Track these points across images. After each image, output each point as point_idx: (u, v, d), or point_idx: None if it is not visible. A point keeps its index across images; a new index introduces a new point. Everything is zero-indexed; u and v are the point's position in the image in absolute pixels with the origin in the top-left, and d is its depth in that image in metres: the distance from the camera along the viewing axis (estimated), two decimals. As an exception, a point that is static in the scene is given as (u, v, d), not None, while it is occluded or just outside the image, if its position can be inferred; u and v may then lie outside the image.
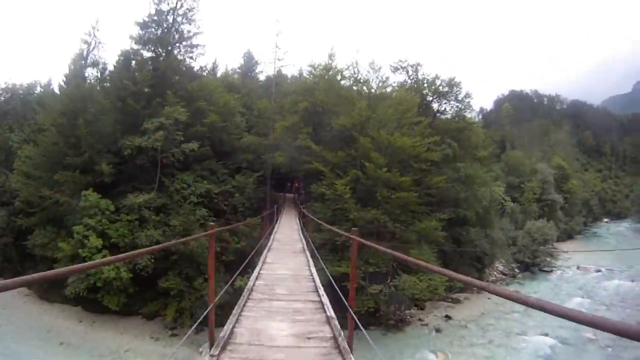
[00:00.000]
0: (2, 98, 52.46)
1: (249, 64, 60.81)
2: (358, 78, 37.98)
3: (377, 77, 37.50)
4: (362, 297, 28.29)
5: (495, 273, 45.71)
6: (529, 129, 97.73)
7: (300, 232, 23.05)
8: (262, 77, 58.92)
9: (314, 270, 12.45)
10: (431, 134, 34.84)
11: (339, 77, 39.99)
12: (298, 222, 28.09)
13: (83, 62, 42.75)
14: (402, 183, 30.32)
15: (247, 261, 12.22)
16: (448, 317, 32.88)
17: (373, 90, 37.60)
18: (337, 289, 7.86)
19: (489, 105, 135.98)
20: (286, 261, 14.24)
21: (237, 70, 61.68)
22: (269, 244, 18.10)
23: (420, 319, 32.44)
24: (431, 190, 33.56)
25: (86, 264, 3.44)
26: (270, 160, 37.35)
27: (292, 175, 42.70)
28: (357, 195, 31.82)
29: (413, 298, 30.31)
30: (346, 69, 38.88)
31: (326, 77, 38.69)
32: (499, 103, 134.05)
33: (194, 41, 40.23)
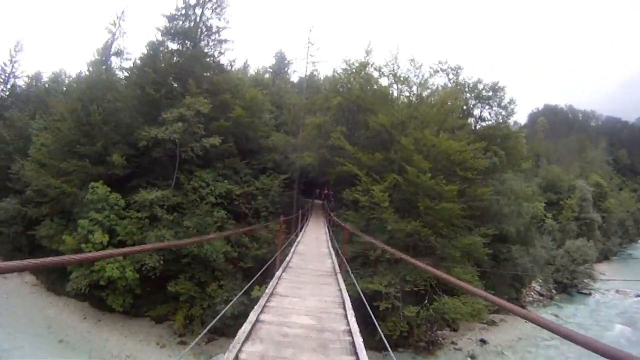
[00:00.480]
0: (25, 85, 50.58)
1: (281, 63, 57.28)
2: (398, 75, 33.23)
3: (417, 75, 33.01)
4: (395, 318, 24.47)
5: (532, 293, 41.35)
6: (565, 144, 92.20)
7: (330, 245, 18.42)
8: (294, 78, 55.34)
9: (353, 323, 6.66)
10: (475, 140, 30.57)
11: (376, 75, 35.45)
12: (327, 231, 23.55)
13: (107, 51, 39.36)
14: (447, 192, 25.79)
15: (264, 269, 10.58)
16: (483, 342, 28.81)
17: (414, 89, 33.05)
18: (370, 310, 6.82)
19: (522, 119, 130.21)
20: (307, 292, 8.83)
21: (269, 69, 58.10)
22: (288, 259, 13.16)
23: (453, 342, 28.46)
24: (475, 203, 28.89)
25: (85, 255, 2.98)
26: (298, 162, 32.70)
27: (321, 179, 37.94)
28: (395, 204, 27.38)
29: (445, 318, 26.25)
30: (385, 66, 34.12)
31: (362, 73, 34.21)
32: (533, 117, 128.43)
33: (222, 36, 36.99)
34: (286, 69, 57.12)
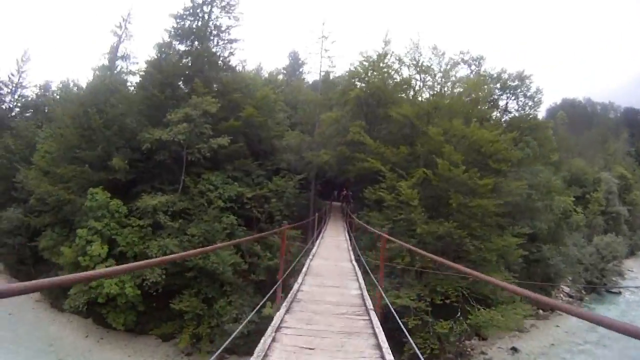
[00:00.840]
0: (34, 95, 48.44)
1: (295, 64, 54.44)
2: (420, 64, 29.75)
3: (441, 64, 29.61)
4: (424, 334, 21.08)
5: (561, 295, 37.33)
6: (587, 137, 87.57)
7: (352, 257, 14.61)
8: (309, 78, 51.21)
9: None
10: (504, 132, 27.59)
11: (396, 65, 31.78)
12: (347, 238, 20.02)
13: (113, 55, 37.38)
14: (481, 187, 22.35)
15: (278, 284, 8.84)
16: (515, 350, 25.56)
17: (437, 78, 29.64)
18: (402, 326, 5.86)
19: (541, 114, 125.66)
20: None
21: (282, 70, 55.12)
22: (297, 283, 9.21)
23: (483, 352, 25.21)
24: (509, 198, 25.37)
25: (83, 274, 2.48)
26: (314, 161, 29.41)
27: (339, 180, 34.22)
28: (423, 203, 23.80)
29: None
30: (405, 55, 30.73)
31: (381, 64, 30.60)
32: (552, 112, 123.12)
33: (232, 35, 34.05)
34: (300, 70, 53.80)
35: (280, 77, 50.58)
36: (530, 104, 36.16)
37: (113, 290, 22.13)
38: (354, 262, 13.36)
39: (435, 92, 28.18)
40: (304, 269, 11.11)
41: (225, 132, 28.06)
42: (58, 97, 44.45)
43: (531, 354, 25.29)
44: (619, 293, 40.08)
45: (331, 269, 11.95)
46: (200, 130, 27.06)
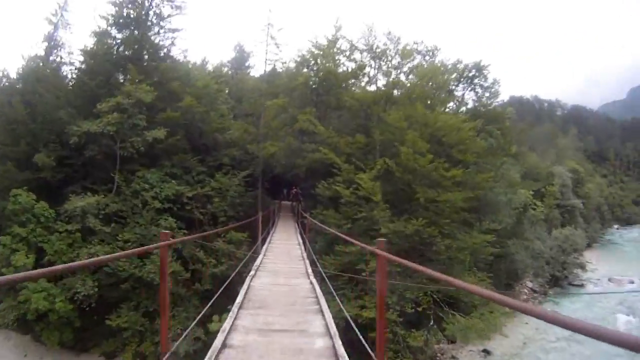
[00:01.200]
0: None
1: (241, 57, 50.40)
2: (374, 48, 26.61)
3: (397, 49, 26.65)
4: (395, 346, 18.26)
5: (525, 291, 35.06)
6: (537, 132, 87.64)
7: (307, 268, 11.20)
8: (256, 73, 47.01)
9: None
10: (467, 120, 24.84)
11: (348, 52, 28.45)
12: (300, 242, 16.87)
13: (47, 44, 32.85)
14: (447, 179, 19.96)
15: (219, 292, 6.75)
16: (487, 353, 23.15)
17: (394, 63, 26.71)
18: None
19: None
20: None
21: (227, 63, 50.88)
22: (226, 326, 5.70)
23: (453, 357, 22.63)
24: (477, 192, 22.87)
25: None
26: (260, 154, 26.34)
27: (289, 175, 31.05)
28: (385, 198, 20.82)
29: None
30: (358, 40, 27.41)
31: (333, 50, 27.40)
32: (500, 108, 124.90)
33: (174, 24, 30.70)
34: (247, 63, 50.19)
35: (226, 69, 46.75)
36: (487, 95, 34.05)
37: (41, 305, 19.05)
38: (311, 277, 9.89)
39: (391, 79, 25.28)
40: (239, 298, 7.36)
41: (162, 124, 24.74)
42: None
43: (504, 355, 23.31)
44: (582, 285, 39.37)
45: (281, 292, 8.34)
46: (133, 122, 23.69)
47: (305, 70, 28.13)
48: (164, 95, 26.52)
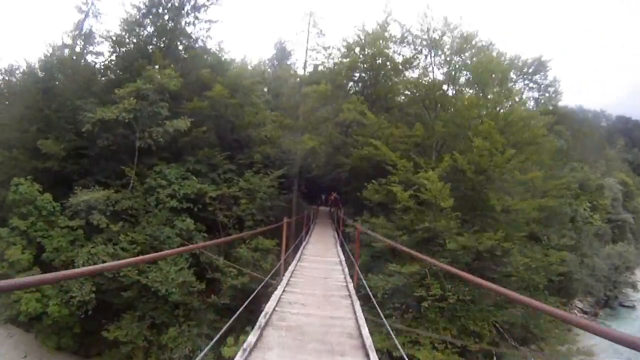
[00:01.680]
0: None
1: (281, 55, 46.48)
2: (430, 35, 21.28)
3: (453, 39, 21.98)
4: None
5: (575, 312, 30.50)
6: (585, 143, 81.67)
7: (357, 309, 6.56)
8: (297, 70, 43.33)
9: None
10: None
11: (399, 39, 23.35)
12: (340, 258, 12.16)
13: (76, 33, 30.12)
14: (524, 183, 15.93)
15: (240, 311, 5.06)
16: None
17: (449, 54, 22.03)
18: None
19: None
20: None
21: (267, 62, 47.31)
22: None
23: None
24: (552, 201, 18.06)
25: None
26: (298, 152, 22.21)
27: (328, 178, 26.93)
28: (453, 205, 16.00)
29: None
30: (411, 27, 22.51)
31: (384, 35, 22.47)
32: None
33: (209, 15, 27.64)
34: (288, 62, 45.50)
35: (267, 69, 43.06)
36: (547, 94, 30.19)
37: (31, 308, 16.23)
38: (361, 321, 5.80)
39: (451, 68, 20.75)
40: (264, 319, 5.39)
41: (188, 115, 21.12)
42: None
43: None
44: (633, 307, 35.51)
45: (316, 325, 5.54)
46: (154, 110, 20.12)
47: (351, 54, 23.46)
48: (193, 85, 23.23)
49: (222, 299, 17.93)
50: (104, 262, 16.18)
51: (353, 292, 7.79)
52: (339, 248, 14.12)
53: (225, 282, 18.00)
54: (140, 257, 4.69)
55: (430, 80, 19.83)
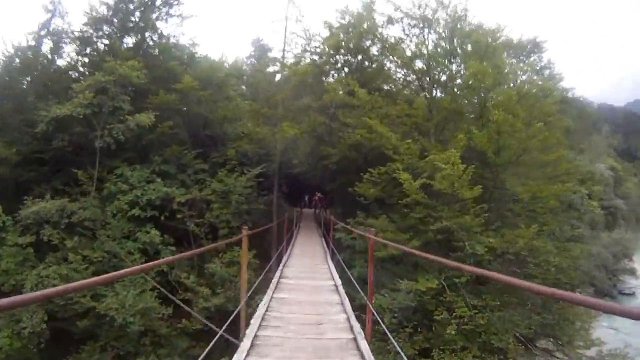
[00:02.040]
0: None
1: (259, 52, 43.72)
2: (423, 11, 18.06)
3: (447, 16, 18.84)
4: None
5: None
6: (569, 129, 79.27)
7: (359, 333, 4.58)
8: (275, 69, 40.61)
9: None
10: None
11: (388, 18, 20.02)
12: (332, 274, 9.50)
13: (40, 31, 27.41)
14: (544, 166, 13.43)
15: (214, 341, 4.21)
16: None
17: (444, 33, 18.95)
18: None
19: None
20: None
21: (245, 59, 44.61)
22: None
23: None
24: (564, 188, 15.14)
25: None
26: (277, 145, 19.28)
27: (311, 175, 24.06)
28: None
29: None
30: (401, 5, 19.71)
31: (369, 20, 19.54)
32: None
33: (182, 11, 24.54)
34: (265, 57, 41.29)
35: (244, 67, 40.29)
36: (544, 76, 27.86)
37: None
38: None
39: (448, 46, 17.74)
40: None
41: (154, 109, 18.15)
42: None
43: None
44: (632, 294, 35.42)
45: None
46: (114, 104, 17.33)
47: (335, 34, 20.32)
48: (161, 79, 20.32)
49: (194, 325, 15.06)
50: (54, 286, 13.25)
51: (369, 356, 4.41)
52: (330, 262, 11.20)
53: (197, 303, 15.08)
54: (94, 278, 3.04)
55: (426, 55, 16.80)
